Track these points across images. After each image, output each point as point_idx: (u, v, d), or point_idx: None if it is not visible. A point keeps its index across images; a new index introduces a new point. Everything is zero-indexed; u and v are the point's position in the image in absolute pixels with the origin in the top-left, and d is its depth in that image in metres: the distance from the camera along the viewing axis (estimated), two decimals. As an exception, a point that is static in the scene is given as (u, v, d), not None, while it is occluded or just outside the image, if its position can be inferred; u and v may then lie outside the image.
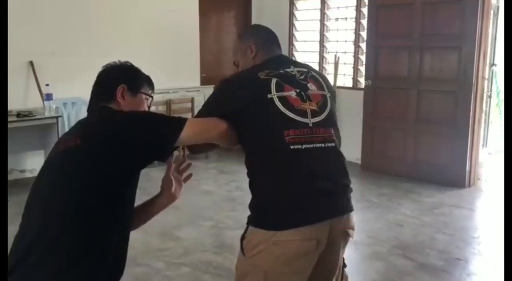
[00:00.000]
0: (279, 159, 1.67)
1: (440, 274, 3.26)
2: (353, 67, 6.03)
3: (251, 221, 1.71)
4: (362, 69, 5.83)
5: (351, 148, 5.61)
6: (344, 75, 6.17)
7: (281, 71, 1.79)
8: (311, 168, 1.67)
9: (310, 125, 1.71)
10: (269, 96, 1.70)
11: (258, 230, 1.66)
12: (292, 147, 1.65)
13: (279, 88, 1.72)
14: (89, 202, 1.54)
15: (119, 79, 1.75)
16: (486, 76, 5.23)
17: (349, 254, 3.42)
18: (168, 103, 5.89)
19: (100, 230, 1.57)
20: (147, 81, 1.84)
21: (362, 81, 5.82)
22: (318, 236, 1.66)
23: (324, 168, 1.71)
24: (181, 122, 1.63)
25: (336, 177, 1.74)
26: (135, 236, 1.81)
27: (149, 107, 1.84)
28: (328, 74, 6.30)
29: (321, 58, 6.35)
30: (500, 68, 5.92)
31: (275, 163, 1.67)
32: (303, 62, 2.07)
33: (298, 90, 1.75)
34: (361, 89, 5.78)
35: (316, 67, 6.28)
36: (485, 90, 5.27)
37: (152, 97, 1.86)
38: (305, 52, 6.58)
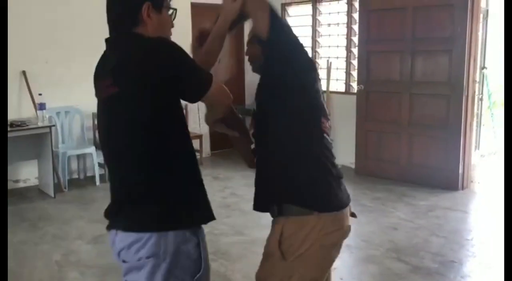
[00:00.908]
0: (315, 142, 1.80)
1: (434, 276, 3.28)
2: (346, 72, 6.07)
3: (294, 209, 1.75)
4: (355, 73, 5.86)
5: (345, 152, 5.63)
6: (337, 80, 6.21)
7: None
8: (330, 156, 1.83)
9: (329, 120, 1.91)
10: (316, 85, 1.89)
11: (305, 218, 1.73)
12: (324, 134, 1.82)
13: (319, 84, 1.93)
14: (151, 129, 1.55)
15: None
16: (477, 79, 5.28)
17: (344, 258, 3.45)
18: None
19: (169, 148, 1.60)
20: None
21: (354, 85, 5.86)
22: (348, 223, 1.82)
23: (334, 158, 1.87)
24: (211, 77, 1.65)
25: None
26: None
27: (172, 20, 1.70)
28: (320, 79, 6.32)
29: (314, 63, 6.38)
30: (491, 71, 5.98)
31: (312, 145, 1.79)
32: None
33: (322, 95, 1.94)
34: (353, 93, 5.81)
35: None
36: (477, 93, 5.32)
37: (175, 9, 1.69)
38: (297, 58, 6.59)
